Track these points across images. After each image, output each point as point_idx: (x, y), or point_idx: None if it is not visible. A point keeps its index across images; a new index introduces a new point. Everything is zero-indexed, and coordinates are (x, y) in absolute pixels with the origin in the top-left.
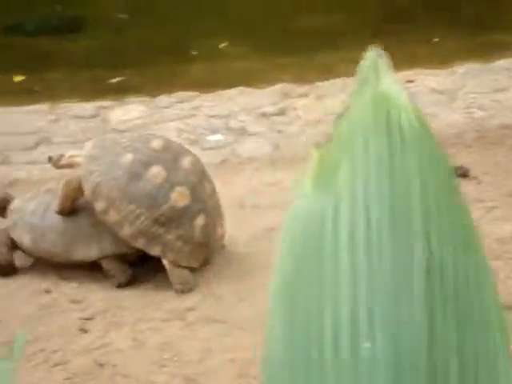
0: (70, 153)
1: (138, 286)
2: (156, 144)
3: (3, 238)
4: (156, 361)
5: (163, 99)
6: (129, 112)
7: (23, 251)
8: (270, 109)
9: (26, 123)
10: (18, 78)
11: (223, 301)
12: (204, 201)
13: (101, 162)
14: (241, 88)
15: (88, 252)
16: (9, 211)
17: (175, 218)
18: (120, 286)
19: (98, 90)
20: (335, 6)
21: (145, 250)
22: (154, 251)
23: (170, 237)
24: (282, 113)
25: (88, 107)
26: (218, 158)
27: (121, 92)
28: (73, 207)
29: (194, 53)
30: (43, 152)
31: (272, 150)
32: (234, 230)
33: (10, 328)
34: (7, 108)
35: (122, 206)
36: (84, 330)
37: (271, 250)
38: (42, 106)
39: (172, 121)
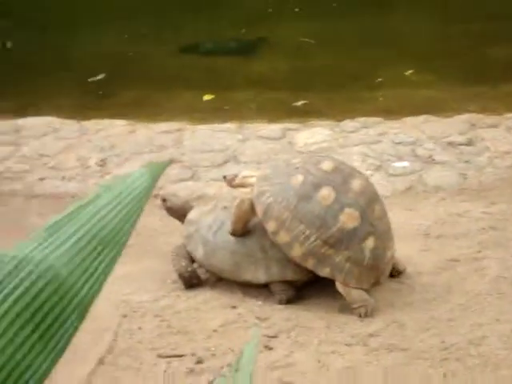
0: (243, 173)
1: (319, 306)
2: (326, 166)
3: (182, 251)
4: None
5: (348, 124)
6: (314, 135)
7: (196, 262)
8: (457, 138)
9: (215, 141)
10: (208, 98)
11: (406, 329)
12: (373, 223)
13: (273, 183)
14: (426, 116)
15: (256, 275)
16: (186, 221)
17: (344, 240)
18: (281, 302)
19: (283, 112)
20: None
21: (314, 271)
22: (324, 272)
23: (339, 258)
24: (469, 143)
25: (274, 128)
26: (404, 185)
27: (306, 115)
28: (245, 228)
29: (380, 80)
30: (230, 170)
31: (459, 180)
32: (419, 258)
33: (196, 341)
34: (197, 126)
35: (292, 227)
36: (269, 348)
37: (455, 280)
38: (231, 126)
39: (356, 145)
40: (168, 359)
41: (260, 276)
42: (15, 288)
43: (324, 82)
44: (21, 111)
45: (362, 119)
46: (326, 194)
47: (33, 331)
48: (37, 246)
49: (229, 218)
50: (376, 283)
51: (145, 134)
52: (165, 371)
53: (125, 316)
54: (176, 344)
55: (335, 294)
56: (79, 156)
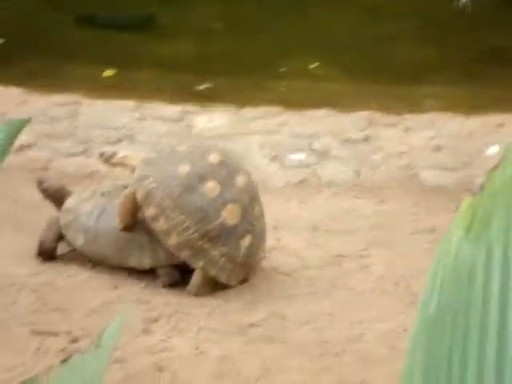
0: (123, 152)
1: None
2: (213, 158)
3: (53, 225)
4: (216, 373)
5: (249, 111)
6: (213, 120)
7: (77, 251)
8: (355, 135)
9: (112, 118)
10: (108, 73)
11: (287, 321)
12: (253, 222)
13: (157, 169)
14: (326, 110)
15: (142, 260)
16: (63, 210)
17: (223, 236)
18: (165, 285)
19: (184, 95)
20: (429, 39)
21: (188, 262)
22: (197, 265)
23: (214, 253)
24: (366, 140)
25: (173, 110)
26: (298, 177)
27: (207, 99)
28: (135, 220)
29: (283, 69)
30: (124, 148)
31: (353, 176)
32: (306, 251)
33: (73, 319)
34: (95, 101)
35: (172, 216)
36: (147, 331)
37: (340, 276)
38: (129, 103)
39: (255, 134)
40: (42, 336)
41: (146, 261)
42: None
43: (228, 67)
44: None
45: (263, 108)
46: (212, 186)
47: None
48: None
49: (109, 203)
50: (244, 280)
51: (38, 104)
52: (37, 348)
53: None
54: (51, 321)
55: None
56: None
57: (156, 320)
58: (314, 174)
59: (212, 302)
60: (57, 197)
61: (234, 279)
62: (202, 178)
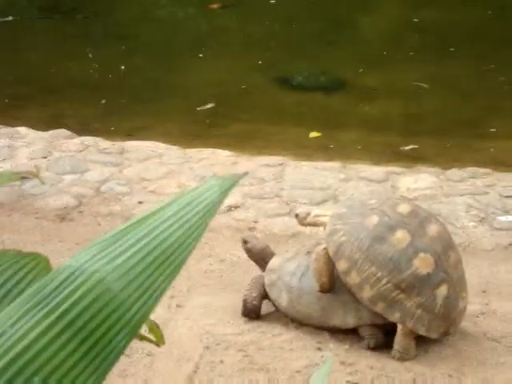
0: (316, 211)
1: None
2: (403, 208)
3: (258, 283)
4: None
5: (455, 172)
6: (418, 181)
7: (280, 310)
8: None
9: (316, 179)
10: (314, 135)
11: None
12: (448, 270)
13: (346, 222)
14: None
15: (345, 319)
16: (267, 269)
17: (417, 285)
18: (369, 347)
19: (389, 155)
20: None
21: (384, 315)
22: (393, 317)
23: (410, 304)
24: None
25: (378, 171)
26: (508, 240)
27: (412, 160)
28: (331, 279)
29: (493, 130)
30: (329, 209)
31: None
32: None
33: (278, 380)
34: (300, 162)
35: (363, 268)
36: None
37: None
38: (334, 164)
39: (462, 195)
40: None
41: (349, 320)
42: (64, 300)
43: (435, 127)
44: (127, 134)
45: (470, 169)
46: (401, 236)
47: (78, 347)
48: (92, 256)
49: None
50: (445, 333)
51: (247, 165)
52: None
53: (207, 348)
54: (257, 381)
55: (423, 344)
56: (179, 183)
57: (359, 383)
58: None
59: (416, 367)
60: (260, 257)
61: (434, 331)
62: (391, 228)
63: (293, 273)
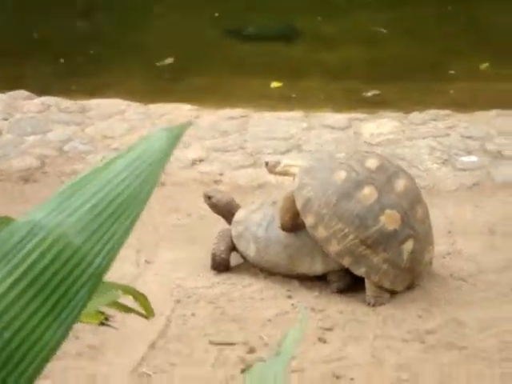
0: (286, 161)
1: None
2: (371, 163)
3: (226, 236)
4: (393, 381)
5: (417, 116)
6: (382, 126)
7: (248, 261)
8: None
9: (279, 129)
10: (275, 85)
11: (465, 327)
12: (414, 226)
13: (315, 177)
14: (498, 110)
15: (313, 266)
16: (234, 222)
17: (383, 241)
18: (338, 290)
19: (351, 102)
20: None
21: (350, 269)
22: (359, 272)
23: (376, 259)
24: None
25: (341, 118)
26: (471, 180)
27: (374, 106)
28: (294, 222)
29: (452, 72)
30: (294, 158)
31: None
32: (483, 256)
33: (249, 330)
34: (263, 113)
35: (330, 224)
36: (323, 340)
37: None
38: (297, 113)
39: (424, 138)
40: (220, 347)
41: (317, 266)
42: (26, 256)
43: (395, 72)
44: (89, 93)
45: (432, 112)
46: (368, 193)
47: (43, 302)
48: (50, 211)
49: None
50: (410, 286)
51: (209, 119)
52: (216, 359)
53: (178, 301)
54: (229, 332)
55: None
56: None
57: (331, 329)
58: (487, 175)
59: (387, 310)
60: (226, 210)
61: (399, 285)
62: (359, 184)
63: (259, 223)
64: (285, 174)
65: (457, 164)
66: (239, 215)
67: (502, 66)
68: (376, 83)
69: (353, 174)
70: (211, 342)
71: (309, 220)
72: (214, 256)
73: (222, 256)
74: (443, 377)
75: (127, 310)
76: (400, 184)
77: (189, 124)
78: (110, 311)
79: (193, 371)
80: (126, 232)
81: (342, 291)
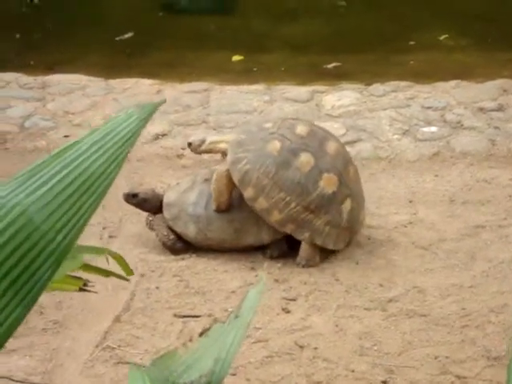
0: (211, 138)
1: (338, 270)
2: (301, 130)
3: (161, 221)
4: (356, 349)
5: (377, 87)
6: (343, 98)
7: (189, 242)
8: (488, 104)
9: (241, 102)
10: (237, 58)
11: (426, 295)
12: (350, 185)
13: (248, 149)
14: (457, 81)
15: (260, 236)
16: (165, 205)
17: (324, 205)
18: (272, 257)
19: (312, 75)
20: None
21: (293, 235)
22: (303, 237)
23: (319, 222)
24: (500, 109)
25: (302, 91)
26: (431, 150)
27: (336, 78)
28: (229, 201)
29: (412, 43)
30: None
31: (488, 146)
32: (443, 224)
33: (214, 302)
34: (225, 87)
35: (272, 194)
36: (286, 311)
37: (479, 247)
38: (258, 86)
39: (385, 109)
40: (184, 319)
41: (264, 236)
42: None
43: (356, 44)
44: (48, 68)
45: (392, 83)
46: (305, 160)
47: (2, 278)
48: (13, 189)
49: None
50: (348, 243)
51: (171, 93)
52: (181, 331)
53: (142, 275)
54: (193, 304)
55: (354, 256)
56: (105, 114)
57: (294, 299)
58: (447, 145)
59: (348, 279)
60: (155, 201)
61: (341, 243)
62: (295, 153)
63: (195, 202)
64: (210, 151)
65: (417, 135)
66: (169, 197)
67: (462, 36)
68: (337, 55)
69: (286, 142)
70: (176, 315)
71: (248, 192)
72: (164, 244)
73: (171, 240)
74: (405, 343)
75: (106, 273)
76: (331, 147)
77: (161, 102)
78: (87, 276)
79: (158, 344)
80: (91, 209)
81: (276, 257)
